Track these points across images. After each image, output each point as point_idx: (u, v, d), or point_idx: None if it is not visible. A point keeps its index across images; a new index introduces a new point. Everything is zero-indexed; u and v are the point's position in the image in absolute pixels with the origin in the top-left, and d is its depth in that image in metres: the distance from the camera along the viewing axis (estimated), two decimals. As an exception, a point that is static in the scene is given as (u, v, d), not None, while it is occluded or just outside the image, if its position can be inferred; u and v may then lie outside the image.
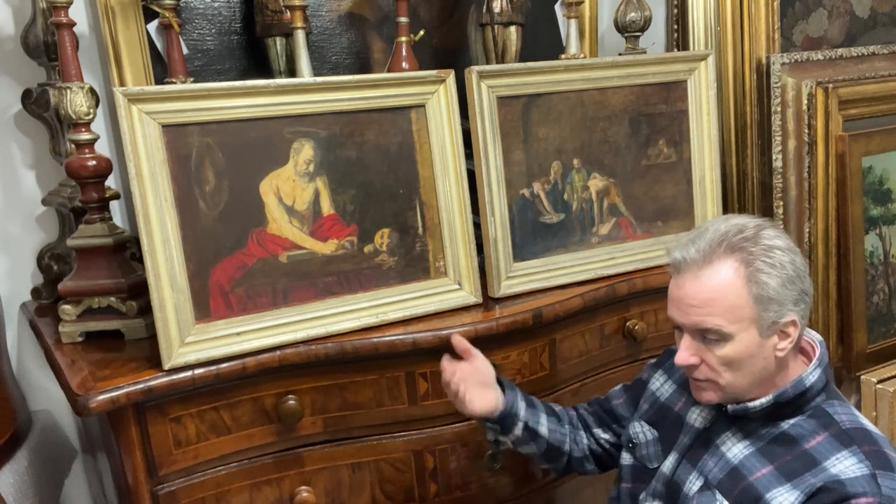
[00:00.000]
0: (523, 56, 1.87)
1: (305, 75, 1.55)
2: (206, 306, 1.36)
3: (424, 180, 1.53)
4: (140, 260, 1.41)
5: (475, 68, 1.55)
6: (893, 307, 2.33)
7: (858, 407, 2.22)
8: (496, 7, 1.83)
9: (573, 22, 1.88)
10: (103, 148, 1.68)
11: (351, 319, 1.46)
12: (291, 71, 1.70)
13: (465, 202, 1.55)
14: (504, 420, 1.34)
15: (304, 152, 1.43)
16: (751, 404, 1.16)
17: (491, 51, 1.87)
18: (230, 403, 1.39)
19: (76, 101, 1.39)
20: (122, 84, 1.62)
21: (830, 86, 2.16)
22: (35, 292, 1.71)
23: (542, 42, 2.10)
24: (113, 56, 1.62)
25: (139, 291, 1.46)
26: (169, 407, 1.33)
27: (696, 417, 1.26)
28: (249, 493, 1.44)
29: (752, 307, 1.11)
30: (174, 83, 1.60)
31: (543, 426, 1.37)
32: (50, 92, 1.57)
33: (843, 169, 2.18)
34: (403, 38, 1.69)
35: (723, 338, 1.12)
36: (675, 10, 2.22)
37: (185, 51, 1.66)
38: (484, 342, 1.50)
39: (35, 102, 1.61)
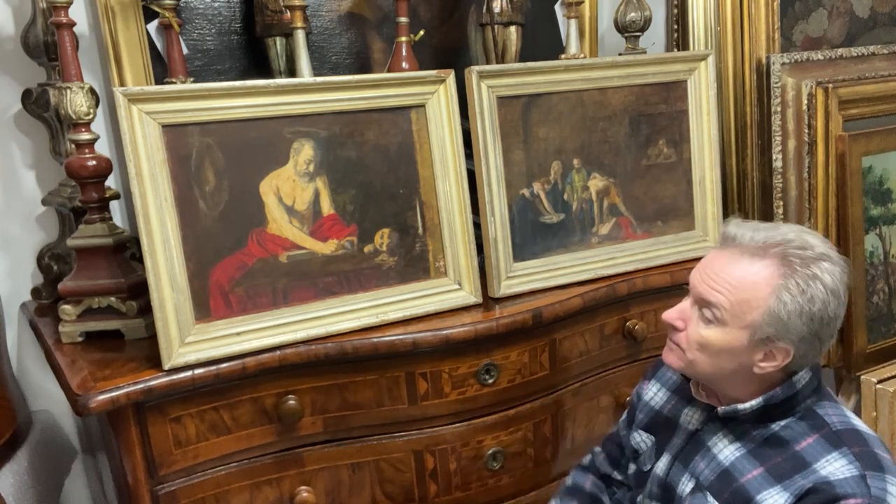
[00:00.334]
0: (523, 56, 1.87)
1: (305, 75, 1.55)
2: (206, 306, 1.36)
3: (424, 180, 1.53)
4: (140, 260, 1.41)
5: (475, 68, 1.55)
6: (893, 307, 2.33)
7: (858, 407, 2.22)
8: (496, 7, 1.83)
9: (573, 22, 1.88)
10: (103, 148, 1.68)
11: (351, 319, 1.46)
12: (291, 71, 1.70)
13: (465, 202, 1.55)
14: None
15: (304, 152, 1.43)
16: (740, 406, 1.15)
17: (491, 51, 1.87)
18: (230, 403, 1.39)
19: (76, 101, 1.39)
20: (122, 84, 1.62)
21: (830, 86, 2.16)
22: (35, 292, 1.71)
23: (542, 42, 2.10)
24: (113, 56, 1.62)
25: (139, 291, 1.46)
26: (169, 407, 1.33)
27: (688, 419, 1.26)
28: (249, 493, 1.44)
29: (760, 315, 1.09)
30: (174, 83, 1.60)
31: None
32: (50, 92, 1.57)
33: (843, 169, 2.18)
34: (403, 38, 1.69)
35: (716, 321, 1.12)
36: (675, 10, 2.22)
37: (185, 51, 1.66)
38: (484, 342, 1.50)
39: (35, 102, 1.61)
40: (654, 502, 1.27)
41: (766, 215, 2.17)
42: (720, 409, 1.19)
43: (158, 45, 1.68)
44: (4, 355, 1.63)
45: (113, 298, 1.46)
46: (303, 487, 1.47)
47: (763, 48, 2.16)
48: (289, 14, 1.56)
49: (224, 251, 1.37)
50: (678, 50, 2.21)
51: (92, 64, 1.68)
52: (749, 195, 2.22)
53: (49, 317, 1.60)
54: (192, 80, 1.65)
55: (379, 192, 1.50)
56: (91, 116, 1.42)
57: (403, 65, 1.69)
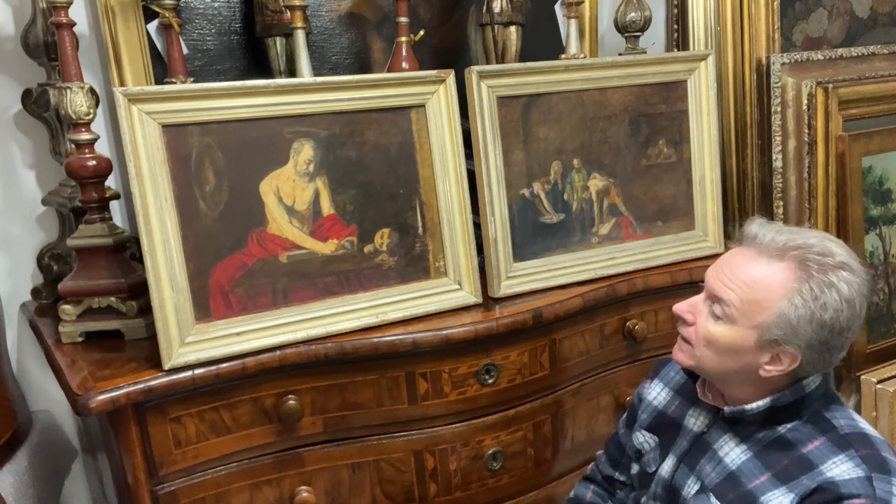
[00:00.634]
0: (523, 56, 1.87)
1: (305, 75, 1.55)
2: (206, 306, 1.36)
3: (424, 180, 1.53)
4: (140, 260, 1.41)
5: (475, 68, 1.55)
6: (893, 307, 2.33)
7: (858, 407, 2.22)
8: (496, 7, 1.83)
9: (573, 22, 1.88)
10: (103, 148, 1.68)
11: (351, 319, 1.46)
12: (291, 71, 1.70)
13: (465, 202, 1.55)
14: None
15: (304, 152, 1.43)
16: (748, 407, 1.15)
17: (491, 51, 1.87)
18: (230, 403, 1.39)
19: (76, 101, 1.39)
20: (122, 84, 1.62)
21: (830, 86, 2.16)
22: (35, 292, 1.71)
23: (542, 42, 2.10)
24: (113, 56, 1.62)
25: (139, 291, 1.46)
26: (169, 407, 1.33)
27: (693, 421, 1.26)
28: (249, 493, 1.44)
29: (770, 317, 1.08)
30: (174, 83, 1.60)
31: None
32: (50, 92, 1.57)
33: (843, 169, 2.18)
34: (403, 38, 1.69)
35: (726, 318, 1.11)
36: (675, 10, 2.22)
37: (185, 51, 1.66)
38: (484, 342, 1.50)
39: (35, 102, 1.61)
40: (658, 503, 1.27)
41: (766, 215, 2.17)
42: (727, 409, 1.18)
43: (158, 45, 1.68)
44: (4, 355, 1.63)
45: (113, 298, 1.46)
46: (303, 487, 1.47)
47: (763, 48, 2.16)
48: (289, 14, 1.56)
49: (224, 251, 1.37)
50: (678, 50, 2.21)
51: (92, 64, 1.68)
52: (749, 195, 2.22)
53: (49, 317, 1.60)
54: (192, 80, 1.65)
55: (379, 192, 1.50)
56: (91, 116, 1.42)
57: (403, 65, 1.69)
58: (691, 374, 1.27)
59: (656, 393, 1.36)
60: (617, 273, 1.71)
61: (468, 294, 1.56)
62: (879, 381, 2.19)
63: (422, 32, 1.75)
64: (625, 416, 1.44)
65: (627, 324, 1.73)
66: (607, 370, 1.74)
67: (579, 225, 1.72)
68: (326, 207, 1.46)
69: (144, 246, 1.28)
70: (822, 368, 1.13)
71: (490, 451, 1.57)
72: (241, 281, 1.39)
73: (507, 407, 1.59)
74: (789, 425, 1.15)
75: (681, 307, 1.19)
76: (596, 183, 1.74)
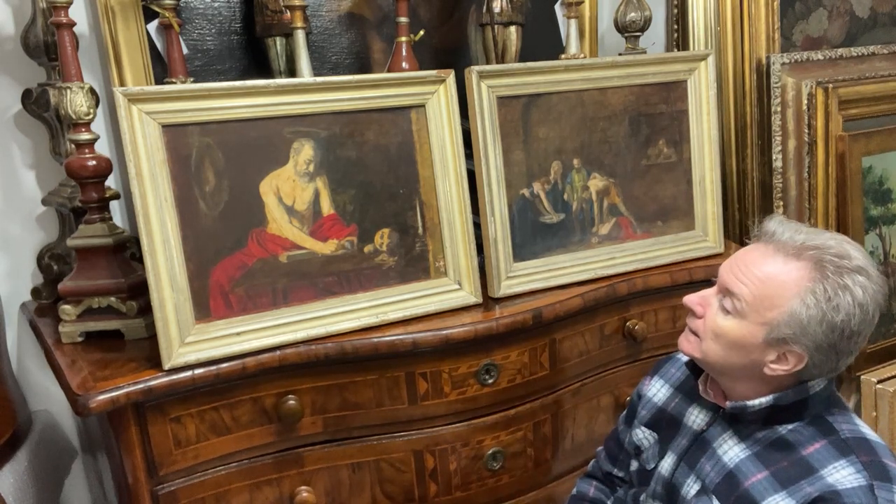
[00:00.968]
0: (523, 56, 1.87)
1: (305, 75, 1.55)
2: (206, 306, 1.36)
3: (424, 180, 1.53)
4: (140, 260, 1.41)
5: (475, 68, 1.55)
6: (893, 307, 2.33)
7: (858, 407, 2.22)
8: (496, 7, 1.83)
9: (573, 22, 1.88)
10: (103, 148, 1.68)
11: (351, 319, 1.46)
12: (291, 71, 1.70)
13: (465, 202, 1.55)
14: None
15: (304, 152, 1.43)
16: (749, 403, 1.14)
17: (491, 51, 1.87)
18: (230, 403, 1.39)
19: (76, 101, 1.39)
20: (122, 84, 1.62)
21: (830, 86, 2.16)
22: (35, 292, 1.71)
23: (542, 42, 2.10)
24: (113, 56, 1.62)
25: (139, 291, 1.45)
26: (169, 407, 1.33)
27: (693, 419, 1.25)
28: (249, 493, 1.44)
29: (780, 313, 1.08)
30: (174, 83, 1.60)
31: None
32: (50, 92, 1.57)
33: (843, 169, 2.18)
34: (403, 38, 1.69)
35: (736, 312, 1.11)
36: (675, 10, 2.22)
37: (185, 51, 1.66)
38: (484, 342, 1.50)
39: (35, 102, 1.61)
40: (657, 502, 1.27)
41: (766, 215, 2.17)
42: (728, 404, 1.18)
43: (158, 45, 1.68)
44: (4, 355, 1.63)
45: (113, 298, 1.46)
46: (303, 487, 1.47)
47: (763, 48, 2.16)
48: (289, 14, 1.56)
49: (224, 251, 1.37)
50: (678, 50, 2.21)
51: (92, 64, 1.68)
52: (749, 195, 2.22)
53: (49, 317, 1.60)
54: (192, 80, 1.65)
55: (379, 192, 1.50)
56: (91, 116, 1.42)
57: (403, 65, 1.69)
58: (693, 371, 1.27)
59: (656, 390, 1.36)
60: (617, 273, 1.71)
61: (468, 294, 1.56)
62: (879, 381, 2.19)
63: (422, 32, 1.75)
64: (624, 413, 1.44)
65: (627, 324, 1.73)
66: (607, 370, 1.74)
67: (579, 225, 1.72)
68: (326, 207, 1.46)
69: (144, 246, 1.28)
70: (827, 373, 1.12)
71: (490, 451, 1.57)
72: (241, 281, 1.39)
73: (507, 407, 1.59)
74: (790, 426, 1.14)
75: (691, 299, 1.19)
76: (596, 183, 1.74)
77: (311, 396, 1.44)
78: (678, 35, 2.23)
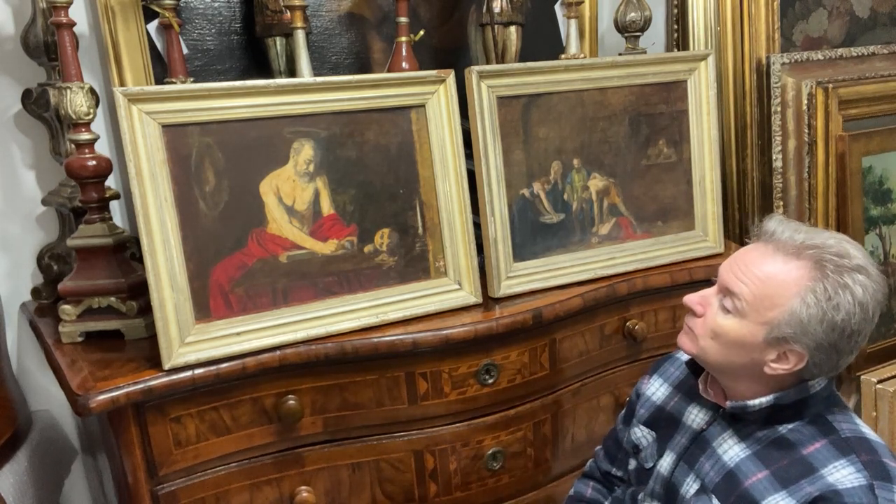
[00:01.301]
0: (523, 56, 1.87)
1: (305, 75, 1.55)
2: (206, 306, 1.36)
3: (424, 180, 1.53)
4: (140, 260, 1.41)
5: (475, 68, 1.55)
6: (893, 307, 2.33)
7: (858, 407, 2.22)
8: (496, 7, 1.83)
9: (573, 22, 1.88)
10: (103, 148, 1.68)
11: (351, 319, 1.46)
12: (291, 71, 1.70)
13: (465, 202, 1.55)
14: None
15: (304, 152, 1.43)
16: (750, 403, 1.14)
17: (491, 51, 1.87)
18: (230, 403, 1.39)
19: (76, 101, 1.39)
20: (122, 84, 1.62)
21: (830, 86, 2.16)
22: (35, 292, 1.71)
23: (542, 42, 2.10)
24: (113, 56, 1.62)
25: (139, 291, 1.45)
26: (169, 407, 1.33)
27: (693, 418, 1.25)
28: (249, 493, 1.44)
29: (780, 314, 1.08)
30: (174, 83, 1.60)
31: None
32: (50, 92, 1.57)
33: (843, 169, 2.18)
34: (403, 38, 1.69)
35: (736, 311, 1.11)
36: (675, 10, 2.22)
37: (185, 51, 1.66)
38: (484, 342, 1.50)
39: (35, 102, 1.61)
40: (656, 501, 1.27)
41: (766, 215, 2.17)
42: (728, 403, 1.18)
43: (158, 45, 1.68)
44: (4, 355, 1.63)
45: (113, 298, 1.46)
46: (303, 487, 1.47)
47: (763, 48, 2.16)
48: (289, 14, 1.56)
49: (224, 251, 1.37)
50: (678, 50, 2.21)
51: (92, 64, 1.68)
52: (749, 195, 2.22)
53: (49, 317, 1.60)
54: (192, 80, 1.65)
55: (379, 192, 1.50)
56: (91, 116, 1.42)
57: (403, 65, 1.69)
58: (694, 371, 1.27)
59: (655, 388, 1.36)
60: (617, 273, 1.71)
61: (468, 294, 1.56)
62: (879, 381, 2.19)
63: (422, 32, 1.75)
64: (623, 412, 1.44)
65: (627, 324, 1.73)
66: (607, 370, 1.74)
67: (579, 225, 1.72)
68: (326, 207, 1.46)
69: (144, 246, 1.28)
70: (827, 372, 1.12)
71: (490, 451, 1.57)
72: (241, 281, 1.39)
73: (507, 407, 1.59)
74: (790, 426, 1.14)
75: (691, 298, 1.19)
76: (596, 183, 1.74)
77: (311, 396, 1.44)
78: (678, 35, 2.23)
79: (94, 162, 1.44)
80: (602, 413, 1.75)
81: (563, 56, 1.89)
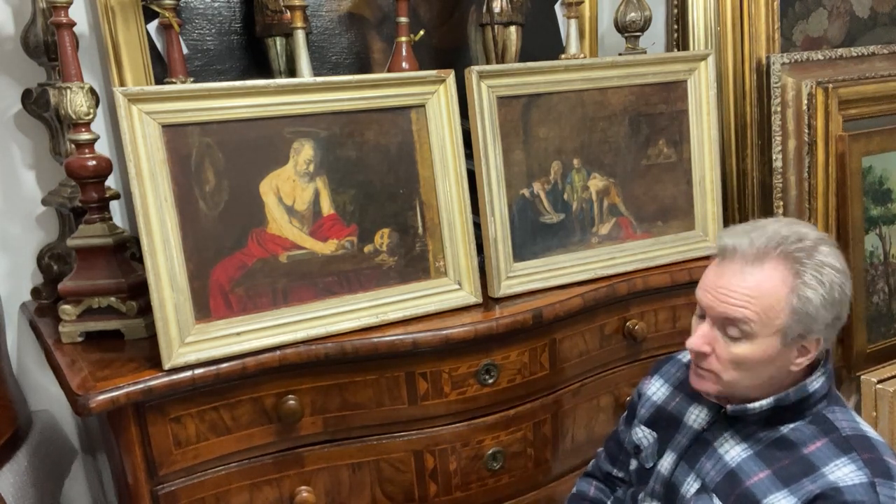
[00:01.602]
0: (523, 56, 1.87)
1: (305, 75, 1.55)
2: (206, 306, 1.36)
3: (424, 180, 1.53)
4: (140, 260, 1.41)
5: (475, 68, 1.55)
6: (893, 307, 2.33)
7: (858, 407, 2.22)
8: (496, 7, 1.83)
9: (573, 22, 1.88)
10: (103, 148, 1.68)
11: (351, 319, 1.46)
12: (291, 71, 1.70)
13: (465, 202, 1.55)
14: None
15: (304, 152, 1.43)
16: (750, 406, 1.15)
17: (491, 51, 1.88)
18: (230, 403, 1.39)
19: (76, 101, 1.39)
20: (122, 84, 1.62)
21: (830, 86, 2.16)
22: (35, 292, 1.71)
23: (542, 42, 2.10)
24: (113, 56, 1.62)
25: (139, 291, 1.46)
26: (169, 407, 1.33)
27: (694, 418, 1.25)
28: (249, 493, 1.44)
29: (787, 317, 1.09)
30: (174, 83, 1.60)
31: None
32: (50, 92, 1.57)
33: (843, 169, 2.18)
34: (403, 38, 1.69)
35: (745, 336, 1.11)
36: (675, 10, 2.22)
37: (185, 51, 1.66)
38: (484, 342, 1.50)
39: (35, 102, 1.61)
40: (656, 501, 1.27)
41: (766, 215, 2.17)
42: (729, 407, 1.18)
43: (158, 45, 1.68)
44: (4, 355, 1.63)
45: (113, 298, 1.46)
46: (303, 487, 1.47)
47: (763, 48, 2.16)
48: (289, 14, 1.56)
49: (224, 251, 1.37)
50: (678, 50, 2.21)
51: (92, 64, 1.69)
52: (749, 195, 2.22)
53: (49, 317, 1.60)
54: (192, 80, 1.65)
55: (379, 192, 1.50)
56: (91, 116, 1.42)
57: (403, 65, 1.69)
58: None
59: (656, 388, 1.36)
60: (617, 273, 1.71)
61: (468, 294, 1.56)
62: (879, 381, 2.19)
63: (422, 32, 1.75)
64: (625, 413, 1.44)
65: (627, 324, 1.73)
66: (607, 370, 1.74)
67: (579, 225, 1.72)
68: (326, 207, 1.46)
69: (144, 246, 1.28)
70: (832, 341, 1.16)
71: (490, 451, 1.57)
72: (241, 281, 1.39)
73: (507, 407, 1.59)
74: (791, 425, 1.15)
75: (696, 342, 1.16)
76: (596, 183, 1.74)
77: (311, 396, 1.44)
78: (678, 35, 2.23)
79: (94, 162, 1.44)
80: (602, 413, 1.75)
81: (563, 56, 1.89)
